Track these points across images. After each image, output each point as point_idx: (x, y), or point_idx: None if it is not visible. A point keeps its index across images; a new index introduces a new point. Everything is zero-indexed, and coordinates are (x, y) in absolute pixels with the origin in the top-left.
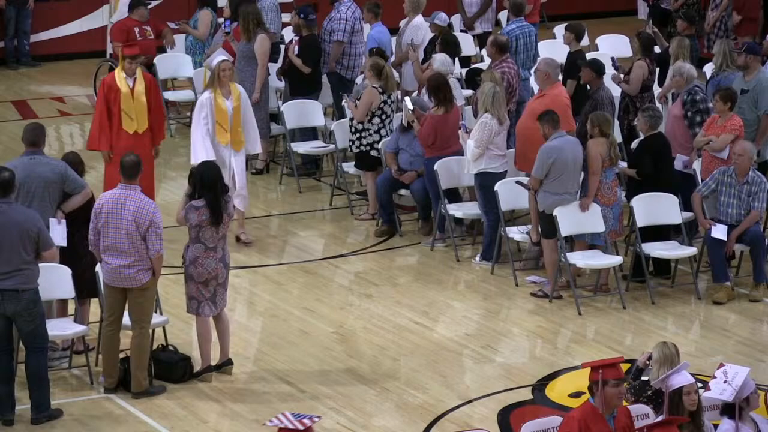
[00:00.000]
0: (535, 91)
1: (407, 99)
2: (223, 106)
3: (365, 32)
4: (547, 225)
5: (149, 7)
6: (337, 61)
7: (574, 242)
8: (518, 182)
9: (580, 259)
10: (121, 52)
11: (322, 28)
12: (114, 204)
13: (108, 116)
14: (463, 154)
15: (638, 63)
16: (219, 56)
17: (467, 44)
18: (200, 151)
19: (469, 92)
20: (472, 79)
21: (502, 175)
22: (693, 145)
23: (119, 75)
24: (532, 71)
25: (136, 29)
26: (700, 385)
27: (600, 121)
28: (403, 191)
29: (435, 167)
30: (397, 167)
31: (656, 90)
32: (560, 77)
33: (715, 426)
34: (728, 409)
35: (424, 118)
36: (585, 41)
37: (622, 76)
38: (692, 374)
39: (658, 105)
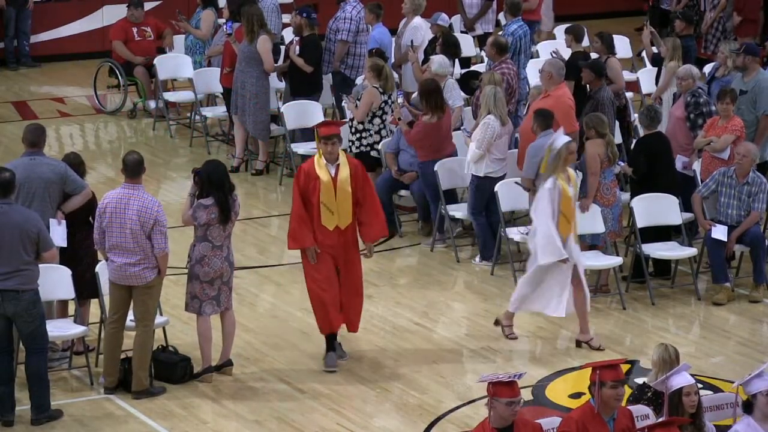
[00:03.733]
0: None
1: (403, 105)
2: (569, 194)
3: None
4: None
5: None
6: (341, 61)
7: None
8: (518, 182)
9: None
10: (317, 133)
11: (328, 27)
12: (118, 203)
13: (306, 209)
14: (457, 156)
15: (611, 60)
16: (563, 137)
17: (467, 45)
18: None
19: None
20: (465, 82)
21: (500, 179)
22: (694, 146)
23: (319, 161)
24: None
25: (134, 29)
26: (700, 386)
27: (595, 122)
28: (403, 192)
29: (435, 168)
30: (396, 168)
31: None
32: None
33: (716, 426)
34: (748, 407)
35: (416, 126)
36: (585, 42)
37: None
38: (692, 375)
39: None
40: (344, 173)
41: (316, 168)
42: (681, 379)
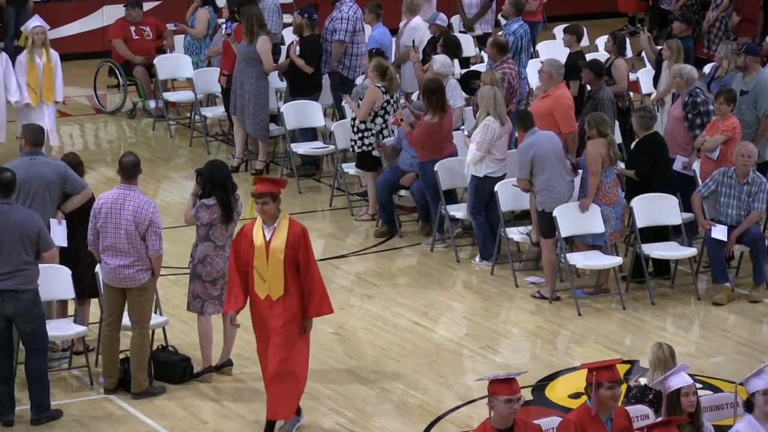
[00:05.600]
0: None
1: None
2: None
3: (366, 32)
4: (546, 225)
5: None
6: (338, 61)
7: (573, 243)
8: (515, 185)
9: (580, 259)
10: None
11: (324, 27)
12: (113, 204)
13: (240, 271)
14: (457, 156)
15: (618, 61)
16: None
17: (467, 45)
18: None
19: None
20: (466, 83)
21: (499, 179)
22: (695, 145)
23: (259, 221)
24: (536, 71)
25: (132, 29)
26: (699, 386)
27: (597, 121)
28: (403, 192)
29: (435, 168)
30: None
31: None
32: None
33: (716, 426)
34: (749, 406)
35: (418, 126)
36: (585, 42)
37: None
38: (691, 375)
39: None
40: (279, 239)
41: (254, 229)
42: (679, 380)
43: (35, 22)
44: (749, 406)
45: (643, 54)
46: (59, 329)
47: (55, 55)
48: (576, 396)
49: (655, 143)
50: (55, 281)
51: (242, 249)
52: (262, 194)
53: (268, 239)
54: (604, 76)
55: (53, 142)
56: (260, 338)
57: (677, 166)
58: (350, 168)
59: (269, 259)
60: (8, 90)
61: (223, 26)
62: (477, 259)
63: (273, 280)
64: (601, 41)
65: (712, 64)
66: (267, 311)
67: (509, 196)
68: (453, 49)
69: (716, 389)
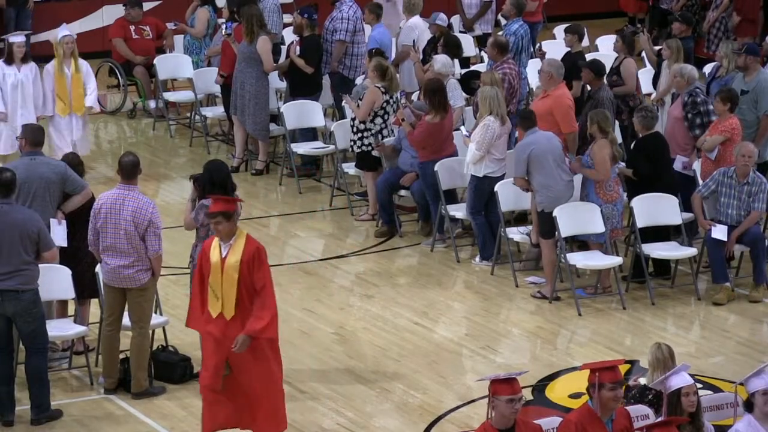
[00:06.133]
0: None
1: (406, 105)
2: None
3: (366, 32)
4: (546, 225)
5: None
6: (339, 61)
7: (581, 243)
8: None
9: (580, 259)
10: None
11: (324, 27)
12: (113, 204)
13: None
14: (457, 156)
15: (628, 61)
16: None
17: (467, 45)
18: None
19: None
20: (466, 83)
21: (499, 179)
22: (695, 145)
23: (217, 238)
24: (536, 71)
25: (132, 29)
26: (700, 385)
27: (599, 118)
28: (403, 192)
29: (435, 168)
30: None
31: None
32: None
33: (716, 426)
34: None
35: (419, 126)
36: (585, 42)
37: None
38: (691, 375)
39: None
40: (234, 257)
41: (212, 245)
42: (679, 380)
43: (64, 31)
44: (749, 405)
45: (643, 54)
46: (59, 329)
47: (84, 64)
48: (576, 396)
49: (656, 143)
50: (55, 281)
51: (202, 264)
52: (215, 214)
53: (223, 256)
54: (604, 76)
55: (82, 152)
56: (211, 357)
57: (677, 166)
58: (350, 168)
59: (223, 277)
60: (37, 99)
61: (223, 26)
62: (477, 259)
63: (226, 298)
64: (602, 41)
65: (712, 64)
66: (222, 331)
67: (509, 196)
68: (453, 49)
69: (716, 389)
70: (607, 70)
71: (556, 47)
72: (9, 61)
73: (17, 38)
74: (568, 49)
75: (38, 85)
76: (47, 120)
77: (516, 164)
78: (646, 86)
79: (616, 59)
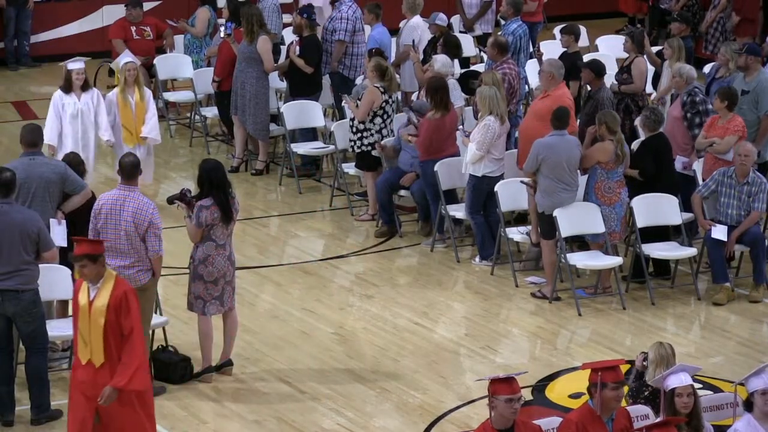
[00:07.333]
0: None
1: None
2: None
3: (366, 32)
4: (546, 226)
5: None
6: (339, 61)
7: (581, 243)
8: (523, 181)
9: (580, 259)
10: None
11: (324, 28)
12: (113, 204)
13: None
14: (458, 156)
15: (639, 60)
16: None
17: (467, 45)
18: None
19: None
20: (465, 83)
21: (498, 179)
22: (696, 146)
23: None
24: (536, 72)
25: (133, 29)
26: (699, 386)
27: (607, 118)
28: (403, 192)
29: (435, 168)
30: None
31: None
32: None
33: (716, 426)
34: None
35: (421, 124)
36: (585, 42)
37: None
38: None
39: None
40: (101, 300)
41: (80, 288)
42: (675, 380)
43: (126, 58)
44: (749, 405)
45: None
46: (59, 329)
47: (147, 92)
48: (576, 396)
49: (660, 143)
50: (55, 281)
51: (73, 307)
52: (78, 257)
53: (91, 299)
54: (604, 77)
55: (147, 180)
56: (76, 407)
57: (677, 166)
58: (350, 168)
59: (90, 322)
60: (99, 127)
61: (222, 27)
62: (477, 259)
63: (94, 344)
64: (602, 41)
65: (712, 64)
66: (91, 379)
67: (509, 196)
68: (453, 49)
69: (716, 389)
70: (608, 70)
71: (555, 47)
72: (67, 90)
73: (76, 65)
74: (565, 49)
75: (102, 112)
76: (114, 147)
77: (529, 158)
78: (647, 86)
79: (626, 58)
